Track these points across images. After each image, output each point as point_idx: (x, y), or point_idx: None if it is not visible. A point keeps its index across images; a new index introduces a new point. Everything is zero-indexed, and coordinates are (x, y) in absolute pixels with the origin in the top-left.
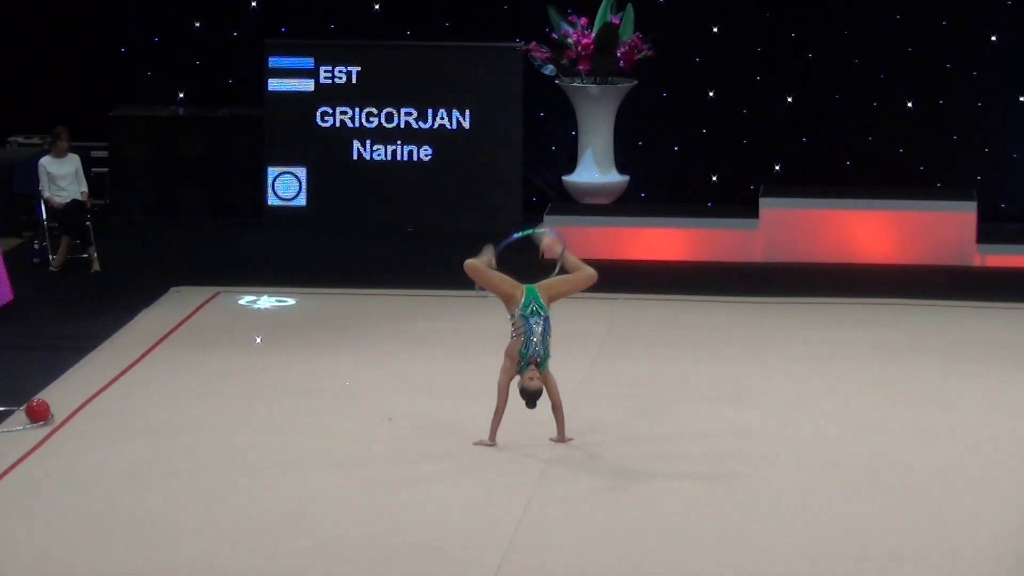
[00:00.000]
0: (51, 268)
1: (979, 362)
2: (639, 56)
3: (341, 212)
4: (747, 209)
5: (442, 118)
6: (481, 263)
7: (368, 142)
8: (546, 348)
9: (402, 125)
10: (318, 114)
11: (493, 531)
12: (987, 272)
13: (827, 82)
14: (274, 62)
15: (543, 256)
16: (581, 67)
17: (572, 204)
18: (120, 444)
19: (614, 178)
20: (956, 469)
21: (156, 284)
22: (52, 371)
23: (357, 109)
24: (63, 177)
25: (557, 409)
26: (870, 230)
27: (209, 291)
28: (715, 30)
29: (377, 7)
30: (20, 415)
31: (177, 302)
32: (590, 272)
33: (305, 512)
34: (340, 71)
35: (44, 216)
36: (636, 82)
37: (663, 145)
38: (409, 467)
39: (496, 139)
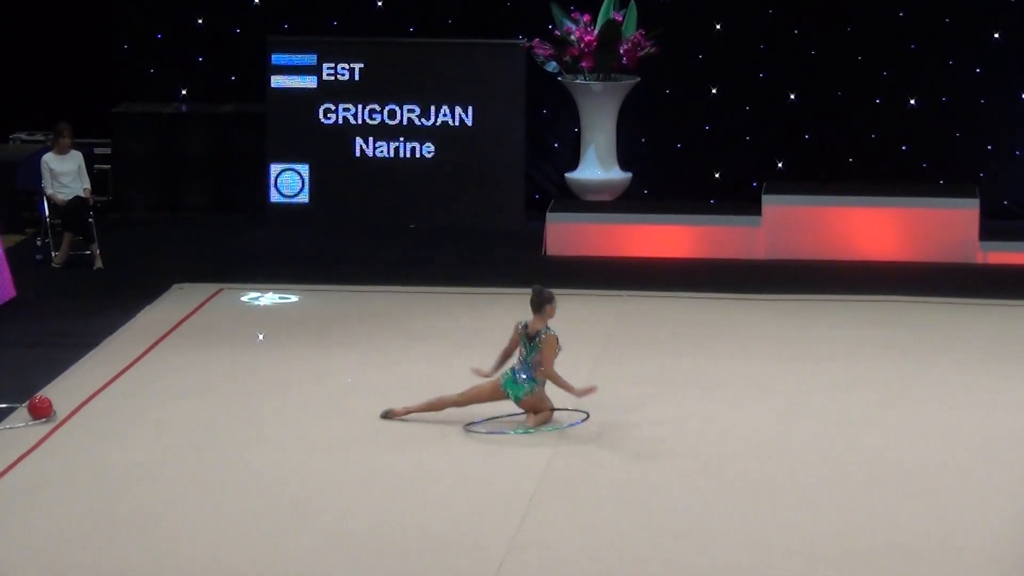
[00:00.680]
0: (53, 265)
1: (982, 359)
2: (642, 53)
3: (344, 209)
4: (750, 206)
5: (445, 115)
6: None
7: (371, 139)
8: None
9: (405, 122)
10: (321, 111)
11: (496, 527)
12: (990, 269)
13: (830, 79)
14: (277, 59)
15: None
16: (584, 64)
17: (575, 201)
18: (122, 441)
19: (617, 175)
20: (958, 466)
21: (158, 281)
22: (54, 368)
23: (360, 106)
24: (66, 174)
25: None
26: (873, 227)
27: (211, 288)
28: (718, 27)
29: (380, 4)
30: (22, 412)
31: (179, 299)
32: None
33: (307, 508)
34: (343, 68)
35: (47, 213)
36: (639, 79)
37: (666, 142)
38: (411, 463)
39: (499, 136)
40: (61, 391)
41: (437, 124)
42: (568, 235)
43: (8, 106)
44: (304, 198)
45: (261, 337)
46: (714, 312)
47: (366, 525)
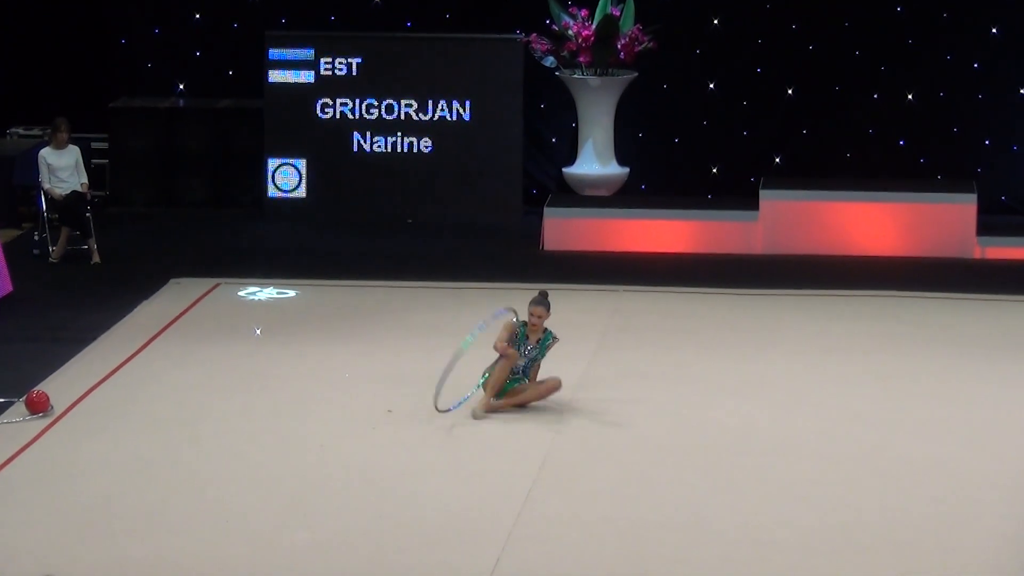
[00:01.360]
0: (51, 259)
1: (979, 354)
2: (639, 48)
3: (341, 204)
4: (747, 201)
5: (442, 110)
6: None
7: (368, 134)
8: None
9: (402, 117)
10: (318, 106)
11: (493, 523)
12: (987, 264)
13: (828, 74)
14: (274, 54)
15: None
16: (582, 59)
17: (572, 196)
18: (120, 436)
19: (614, 170)
20: (956, 461)
21: (156, 276)
22: (52, 362)
23: (357, 101)
24: (63, 168)
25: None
26: (870, 222)
27: (209, 283)
28: (715, 22)
29: None
30: (20, 406)
31: (177, 294)
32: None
33: (304, 503)
34: (340, 63)
35: (44, 207)
36: (636, 74)
37: (663, 137)
38: (409, 459)
39: (496, 131)
40: (58, 386)
41: (435, 119)
42: (566, 230)
43: (5, 101)
44: (302, 193)
45: (259, 332)
46: (711, 307)
47: (363, 519)
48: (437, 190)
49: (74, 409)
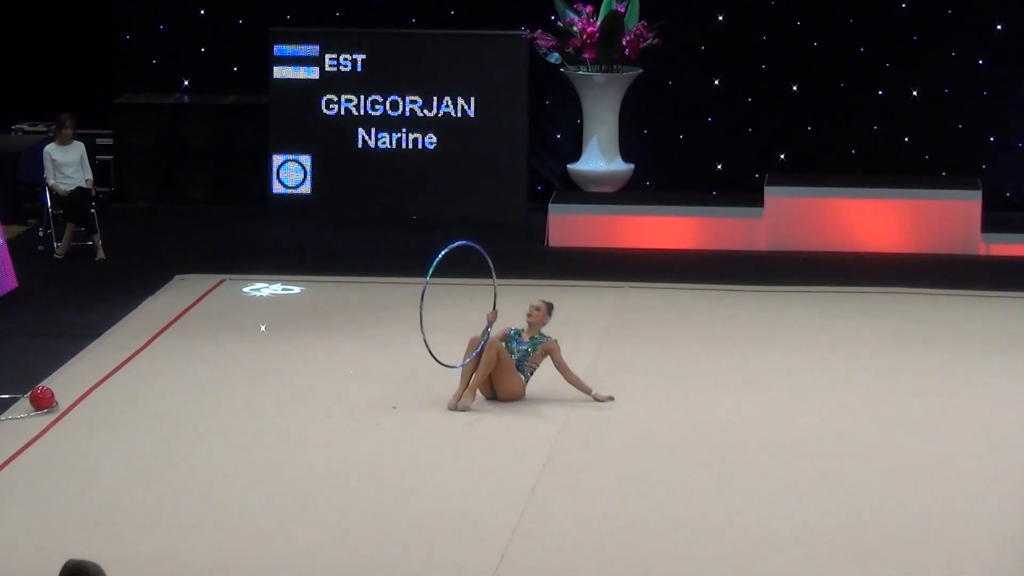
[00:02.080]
0: (56, 255)
1: (984, 351)
2: (644, 44)
3: (346, 200)
4: (752, 197)
5: (447, 106)
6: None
7: (373, 130)
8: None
9: (407, 113)
10: (323, 102)
11: (497, 520)
12: (992, 261)
13: (832, 71)
14: (279, 50)
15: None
16: (586, 55)
17: (577, 192)
18: (124, 431)
19: (619, 166)
20: (960, 458)
21: (161, 272)
22: (56, 358)
23: (362, 97)
24: (68, 164)
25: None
26: (875, 219)
27: (214, 279)
28: (720, 18)
29: None
30: (24, 402)
31: (182, 290)
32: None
33: (308, 500)
34: (345, 59)
35: (49, 204)
36: (641, 70)
37: (668, 133)
38: (413, 455)
39: (501, 127)
40: (63, 382)
41: (439, 115)
42: (570, 226)
43: (10, 97)
44: (306, 189)
45: (263, 328)
46: (716, 303)
47: (368, 516)
48: (441, 186)
49: (79, 405)
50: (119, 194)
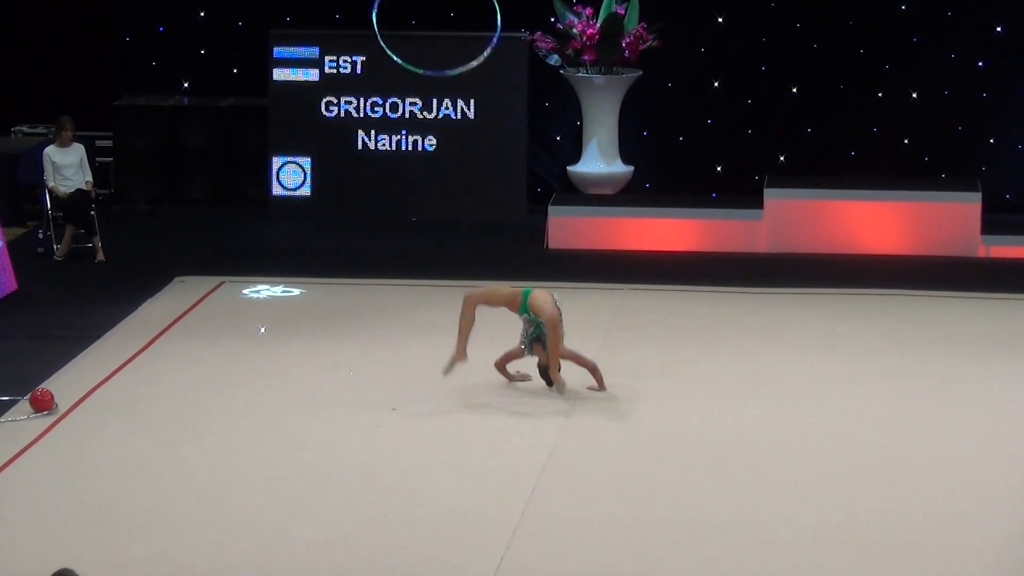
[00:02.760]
0: (55, 258)
1: (983, 353)
2: (644, 46)
3: (345, 202)
4: (752, 200)
5: (447, 108)
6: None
7: (373, 132)
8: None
9: (407, 115)
10: (323, 104)
11: (497, 521)
12: (991, 263)
13: (832, 72)
14: (279, 52)
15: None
16: (586, 57)
17: (577, 194)
18: (123, 434)
19: (619, 168)
20: (960, 459)
21: (160, 274)
22: (56, 360)
23: (362, 99)
24: (67, 167)
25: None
26: (874, 221)
27: (213, 281)
28: (720, 20)
29: None
30: (24, 404)
31: (181, 292)
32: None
33: (308, 501)
34: (345, 61)
35: (48, 206)
36: (641, 72)
37: (668, 135)
38: (413, 457)
39: (501, 129)
40: (63, 384)
41: (439, 117)
42: (570, 228)
43: (10, 99)
44: (306, 191)
45: (263, 330)
46: (715, 305)
47: (368, 517)
48: (441, 188)
49: (78, 407)
50: (119, 196)
